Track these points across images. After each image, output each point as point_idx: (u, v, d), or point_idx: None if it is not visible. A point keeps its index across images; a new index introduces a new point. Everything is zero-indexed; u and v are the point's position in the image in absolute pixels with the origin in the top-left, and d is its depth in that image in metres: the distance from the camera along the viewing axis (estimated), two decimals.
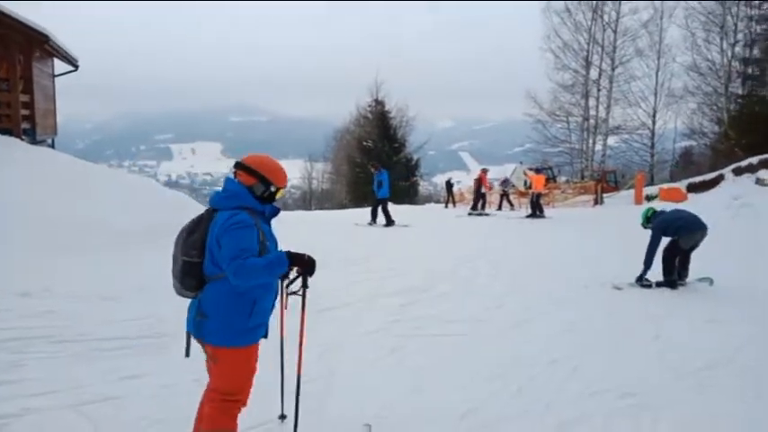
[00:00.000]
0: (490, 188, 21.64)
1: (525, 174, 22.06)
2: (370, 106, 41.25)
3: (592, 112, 34.96)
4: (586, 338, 5.77)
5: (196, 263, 2.91)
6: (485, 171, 22.13)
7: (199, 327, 2.93)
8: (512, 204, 23.52)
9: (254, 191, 2.99)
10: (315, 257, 3.03)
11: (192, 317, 2.99)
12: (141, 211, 10.60)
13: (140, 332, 5.57)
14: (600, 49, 33.97)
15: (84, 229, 9.24)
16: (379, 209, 15.69)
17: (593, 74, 34.52)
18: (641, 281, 7.97)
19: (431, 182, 64.29)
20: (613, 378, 4.68)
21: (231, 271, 2.74)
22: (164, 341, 5.34)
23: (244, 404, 3.05)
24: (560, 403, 4.20)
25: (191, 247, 2.91)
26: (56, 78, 17.66)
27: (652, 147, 33.87)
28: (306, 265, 2.98)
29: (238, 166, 3.06)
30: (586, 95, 34.93)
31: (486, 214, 20.32)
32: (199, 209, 13.35)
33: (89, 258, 8.27)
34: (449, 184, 27.02)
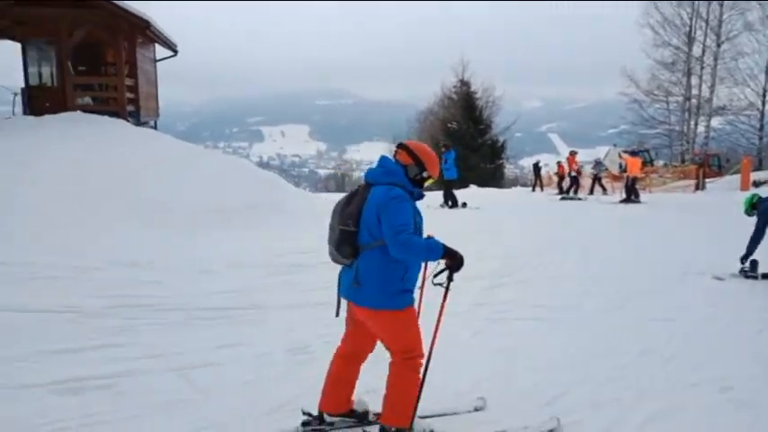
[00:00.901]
0: (579, 172, 20.91)
1: (620, 156, 21.07)
2: (455, 87, 40.76)
3: (694, 92, 32.91)
4: (683, 329, 5.49)
5: (352, 232, 3.12)
6: (573, 153, 21.40)
7: (355, 293, 3.15)
8: (604, 188, 22.60)
9: (409, 172, 3.22)
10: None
11: (347, 283, 3.21)
12: (237, 189, 11.09)
13: (236, 304, 5.85)
14: (704, 23, 31.80)
15: (186, 206, 9.79)
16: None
17: (697, 50, 32.46)
18: (749, 271, 7.46)
19: (517, 165, 62.86)
20: (711, 371, 4.43)
21: (396, 243, 2.94)
22: (258, 313, 5.61)
23: (422, 357, 3.24)
24: (652, 393, 4.04)
25: (347, 217, 3.14)
26: (157, 63, 18.69)
27: (761, 129, 31.35)
28: (455, 261, 3.12)
29: (401, 146, 3.31)
30: (688, 73, 32.83)
31: (579, 198, 19.73)
32: (291, 189, 13.82)
33: (189, 233, 8.76)
34: (536, 167, 26.35)
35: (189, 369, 4.34)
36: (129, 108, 15.16)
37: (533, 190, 24.90)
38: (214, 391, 4.03)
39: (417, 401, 3.21)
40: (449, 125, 38.26)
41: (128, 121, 14.43)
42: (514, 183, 40.27)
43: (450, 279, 3.21)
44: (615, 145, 33.44)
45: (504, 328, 5.47)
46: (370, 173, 3.28)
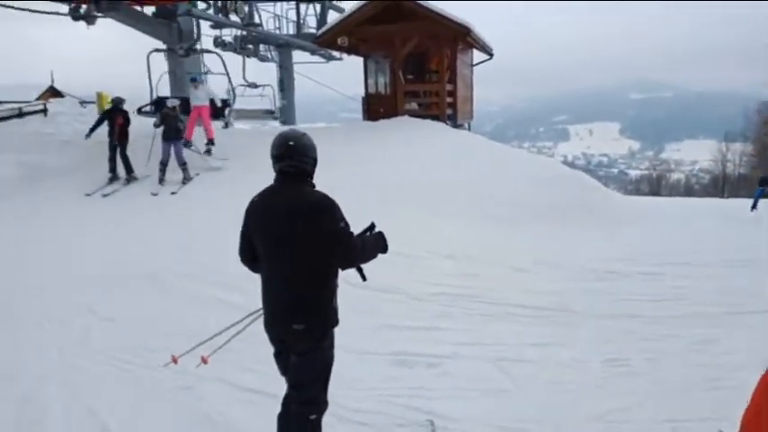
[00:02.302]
0: None
1: None
2: None
3: None
4: None
5: None
6: None
7: None
8: None
9: None
10: None
11: None
12: (546, 187, 11.08)
13: (547, 304, 5.86)
14: None
15: (496, 203, 10.16)
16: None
17: None
18: None
19: None
20: None
21: None
22: (570, 317, 5.53)
23: None
24: None
25: None
26: (473, 67, 19.71)
27: None
28: None
29: None
30: None
31: None
32: (602, 189, 13.24)
33: (501, 230, 9.07)
34: None
35: (504, 361, 4.52)
36: (448, 111, 16.33)
37: None
38: (527, 386, 4.12)
39: None
40: None
41: (446, 123, 15.58)
42: None
43: None
44: None
45: None
46: None
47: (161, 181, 11.38)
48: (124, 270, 6.97)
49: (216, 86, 15.47)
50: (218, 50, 15.11)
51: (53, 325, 5.54)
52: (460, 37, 15.94)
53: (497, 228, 9.19)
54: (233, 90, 15.95)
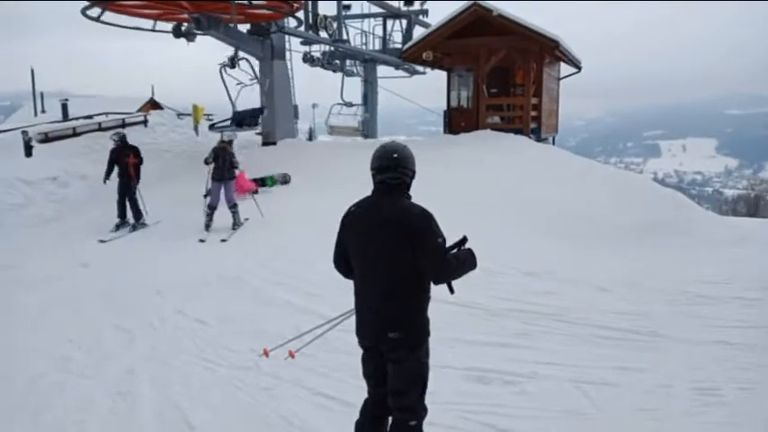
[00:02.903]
0: None
1: None
2: None
3: None
4: None
5: None
6: None
7: None
8: None
9: None
10: None
11: None
12: (635, 205, 10.66)
13: (633, 327, 5.60)
14: None
15: (579, 219, 9.88)
16: None
17: None
18: None
19: None
20: None
21: None
22: (657, 341, 5.27)
23: None
24: None
25: None
26: (560, 80, 19.31)
27: None
28: None
29: None
30: None
31: None
32: (696, 209, 12.58)
33: (585, 247, 8.80)
34: None
35: (586, 383, 4.38)
36: (532, 125, 16.07)
37: None
38: (610, 411, 3.98)
39: None
40: None
41: (529, 137, 15.33)
42: None
43: None
44: None
45: None
46: None
47: (207, 227, 9.68)
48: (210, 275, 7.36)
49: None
50: (249, 58, 14.60)
51: (155, 324, 5.97)
52: (548, 50, 15.69)
53: (581, 245, 8.93)
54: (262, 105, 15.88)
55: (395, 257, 2.87)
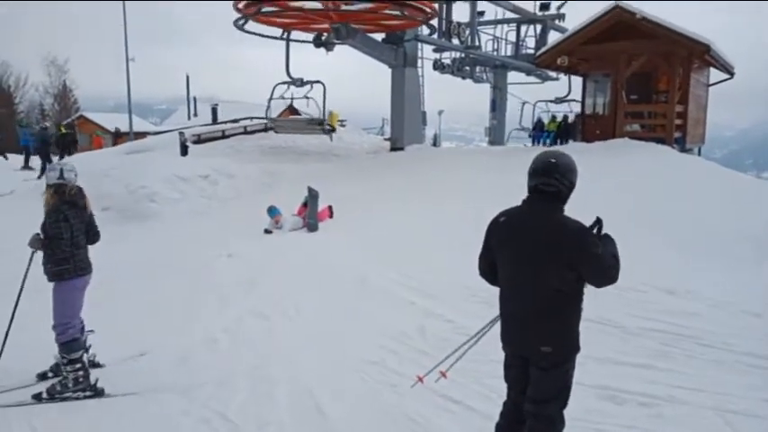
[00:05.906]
0: None
1: None
2: None
3: None
4: None
5: None
6: None
7: None
8: None
9: None
10: None
11: None
12: None
13: None
14: None
15: (723, 236, 9.09)
16: None
17: None
18: None
19: None
20: None
21: None
22: None
23: None
24: None
25: None
26: (709, 87, 17.88)
27: None
28: None
29: None
30: None
31: None
32: None
33: (726, 267, 8.10)
34: None
35: (730, 413, 4.08)
36: (676, 134, 15.04)
37: None
38: None
39: None
40: None
41: (672, 147, 14.34)
42: None
43: None
44: None
45: None
46: None
47: None
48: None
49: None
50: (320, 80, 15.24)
51: (297, 315, 6.44)
52: (697, 54, 14.59)
53: (728, 266, 8.21)
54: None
55: (550, 272, 2.79)
